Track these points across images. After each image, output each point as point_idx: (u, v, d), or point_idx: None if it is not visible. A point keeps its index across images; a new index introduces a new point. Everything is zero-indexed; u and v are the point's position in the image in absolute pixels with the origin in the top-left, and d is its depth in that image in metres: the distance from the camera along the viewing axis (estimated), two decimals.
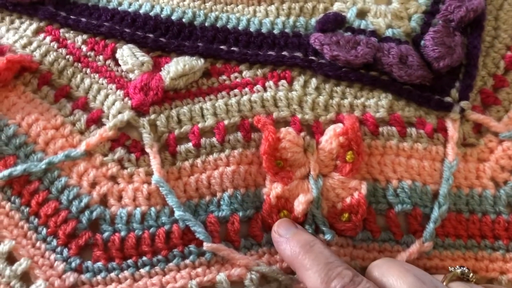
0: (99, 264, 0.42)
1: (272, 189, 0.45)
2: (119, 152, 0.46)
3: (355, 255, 0.44)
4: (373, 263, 0.41)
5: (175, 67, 0.48)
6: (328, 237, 0.44)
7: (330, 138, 0.46)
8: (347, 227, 0.44)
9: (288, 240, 0.41)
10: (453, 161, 0.45)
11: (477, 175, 0.46)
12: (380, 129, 0.46)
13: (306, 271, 0.39)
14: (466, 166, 0.46)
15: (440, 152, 0.46)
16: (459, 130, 0.47)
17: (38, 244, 0.43)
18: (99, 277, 0.43)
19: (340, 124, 0.47)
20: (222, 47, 0.49)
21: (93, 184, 0.44)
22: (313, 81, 0.48)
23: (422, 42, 0.48)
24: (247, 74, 0.48)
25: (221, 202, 0.44)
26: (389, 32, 0.50)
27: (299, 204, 0.44)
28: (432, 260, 0.45)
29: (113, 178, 0.45)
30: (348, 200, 0.45)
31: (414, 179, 0.45)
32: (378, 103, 0.48)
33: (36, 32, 0.50)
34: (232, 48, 0.49)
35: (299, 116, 0.47)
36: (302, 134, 0.47)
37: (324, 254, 0.40)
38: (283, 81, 0.48)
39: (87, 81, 0.48)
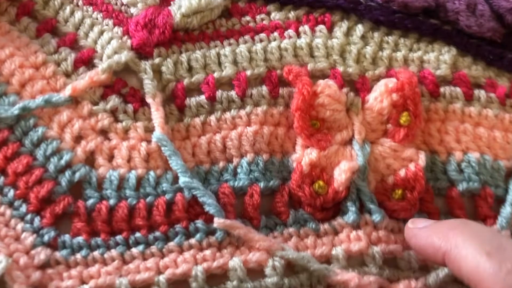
0: (80, 239, 0.34)
1: (305, 155, 0.37)
2: (113, 100, 0.37)
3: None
4: None
5: (189, 1, 0.40)
6: (376, 217, 0.36)
7: (380, 95, 0.38)
8: (400, 207, 0.37)
9: (429, 228, 0.33)
10: None
11: None
12: (442, 89, 0.39)
13: (460, 251, 0.30)
14: None
15: None
16: None
17: (1, 209, 0.34)
18: (78, 256, 0.34)
19: (393, 79, 0.38)
20: None
21: (77, 138, 0.36)
22: (359, 28, 0.40)
23: None
24: (276, 16, 0.41)
25: (238, 170, 0.37)
26: None
27: (341, 173, 0.36)
28: None
29: (104, 133, 0.37)
30: (402, 173, 0.37)
31: (483, 152, 0.38)
32: (439, 58, 0.40)
33: None
34: None
35: (340, 69, 0.39)
36: (345, 90, 0.38)
37: (485, 229, 0.32)
38: (321, 26, 0.40)
39: (78, 15, 0.40)
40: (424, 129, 0.38)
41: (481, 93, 0.39)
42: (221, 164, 0.37)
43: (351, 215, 0.36)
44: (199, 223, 0.35)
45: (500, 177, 0.38)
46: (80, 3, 0.41)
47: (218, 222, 0.34)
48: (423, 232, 0.33)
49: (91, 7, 0.41)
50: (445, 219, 0.35)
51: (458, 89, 0.39)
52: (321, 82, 0.38)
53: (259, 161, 0.37)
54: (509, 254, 0.28)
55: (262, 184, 0.36)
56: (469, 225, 0.32)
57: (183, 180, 0.35)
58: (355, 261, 0.36)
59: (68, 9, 0.40)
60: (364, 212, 0.37)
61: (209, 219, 0.35)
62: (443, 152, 0.38)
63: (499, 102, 0.39)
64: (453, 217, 0.37)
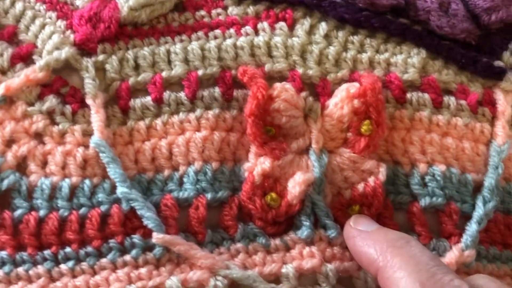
0: (4, 253, 0.32)
1: (258, 164, 0.34)
2: (50, 101, 0.35)
3: None
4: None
5: None
6: (332, 233, 0.34)
7: (341, 101, 0.35)
8: None
9: (370, 234, 0.32)
10: (504, 144, 0.36)
11: None
12: (408, 95, 0.37)
13: (395, 273, 0.29)
14: None
15: (486, 132, 0.37)
16: None
17: None
18: (0, 272, 0.32)
19: (355, 84, 0.36)
20: None
21: (9, 142, 0.34)
22: (322, 26, 0.38)
23: None
24: (233, 11, 0.38)
25: (184, 179, 0.34)
26: None
27: (296, 185, 0.34)
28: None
29: (38, 136, 0.34)
30: (360, 187, 0.35)
31: (450, 164, 0.36)
32: (407, 61, 0.37)
33: None
34: None
35: (300, 70, 0.36)
36: (303, 94, 0.36)
37: (425, 254, 0.30)
38: (281, 23, 0.37)
39: (19, 6, 0.37)
40: (388, 138, 0.36)
41: (451, 100, 0.36)
42: (166, 172, 0.34)
43: (304, 230, 0.34)
44: (136, 238, 0.32)
45: (467, 192, 0.36)
46: None
47: (157, 237, 0.32)
48: (362, 238, 0.32)
49: None
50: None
51: (426, 96, 0.36)
52: (277, 85, 0.35)
53: (207, 170, 0.34)
54: (444, 282, 0.28)
55: (209, 196, 0.34)
56: (410, 246, 0.31)
57: (120, 190, 0.32)
58: (307, 279, 0.34)
59: None
60: (319, 227, 0.34)
61: (147, 233, 0.33)
62: (407, 164, 0.35)
63: (470, 110, 0.37)
64: (415, 234, 0.35)
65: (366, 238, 0.32)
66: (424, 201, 0.35)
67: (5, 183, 0.32)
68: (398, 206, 0.35)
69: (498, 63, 0.38)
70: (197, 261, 0.32)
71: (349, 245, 0.33)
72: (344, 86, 0.35)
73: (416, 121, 0.36)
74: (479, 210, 0.35)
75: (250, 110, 0.34)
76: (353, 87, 0.35)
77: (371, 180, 0.34)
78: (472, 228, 0.35)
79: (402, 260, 0.30)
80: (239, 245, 0.34)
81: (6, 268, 0.31)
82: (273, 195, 0.34)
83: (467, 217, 0.35)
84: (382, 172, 0.34)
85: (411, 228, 0.35)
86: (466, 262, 0.34)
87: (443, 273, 0.29)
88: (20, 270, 0.32)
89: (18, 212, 0.32)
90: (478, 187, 0.36)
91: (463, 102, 0.37)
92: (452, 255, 0.34)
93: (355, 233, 0.33)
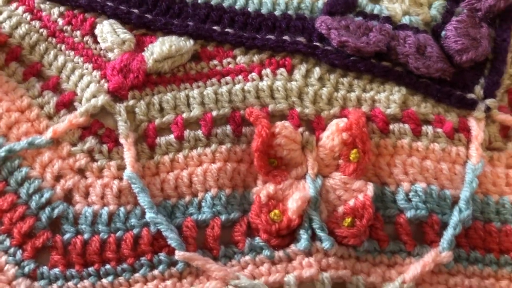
0: (56, 270, 0.38)
1: (264, 188, 0.40)
2: (90, 141, 0.40)
3: (359, 269, 0.40)
4: None
5: (160, 47, 0.42)
6: (326, 245, 0.38)
7: (332, 134, 0.40)
8: (350, 233, 0.39)
9: None
10: (478, 163, 0.40)
11: (507, 181, 0.41)
12: (391, 126, 0.41)
13: None
14: (493, 170, 0.42)
15: (461, 154, 0.41)
16: (484, 130, 0.42)
17: None
18: (54, 286, 0.37)
19: (344, 119, 0.41)
20: (215, 27, 0.44)
21: (57, 177, 0.40)
22: (316, 71, 0.43)
23: (443, 32, 0.44)
24: (241, 59, 0.43)
25: (203, 204, 0.40)
26: (405, 20, 0.45)
27: (293, 202, 0.38)
28: (456, 276, 0.39)
29: (81, 172, 0.40)
30: (351, 202, 0.39)
31: (430, 183, 0.40)
32: (389, 98, 0.42)
33: (8, 1, 0.45)
34: (226, 30, 0.44)
35: (298, 109, 0.42)
36: (301, 129, 0.41)
37: None
38: (282, 70, 0.43)
39: (61, 59, 0.43)
40: (375, 163, 0.40)
41: (428, 129, 0.41)
42: (187, 198, 0.40)
43: (303, 243, 0.38)
44: (162, 255, 0.38)
45: (446, 205, 0.40)
46: (63, 47, 0.43)
47: (178, 255, 0.38)
48: None
49: (73, 52, 0.43)
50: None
51: (406, 126, 0.41)
52: (278, 123, 0.40)
53: (221, 195, 0.39)
54: None
55: (223, 217, 0.39)
56: None
57: (149, 215, 0.38)
58: (307, 286, 0.38)
59: (52, 53, 0.43)
60: (316, 240, 0.39)
61: (172, 251, 0.38)
62: (393, 183, 0.40)
63: (446, 136, 0.41)
64: (402, 242, 0.39)
65: None
66: (410, 214, 0.39)
67: (56, 211, 0.38)
68: (387, 220, 0.40)
69: (470, 95, 0.42)
70: (212, 273, 0.37)
71: None
72: (334, 121, 0.40)
73: (399, 148, 0.41)
74: (455, 218, 0.39)
75: (256, 146, 0.39)
76: (342, 121, 0.40)
77: (360, 196, 0.39)
78: (448, 233, 0.39)
79: None
80: (247, 257, 0.38)
81: (59, 282, 0.37)
82: (277, 212, 0.39)
83: (447, 226, 0.39)
84: (370, 189, 0.39)
85: (398, 237, 0.39)
86: (443, 262, 0.39)
87: None
88: (70, 284, 0.37)
89: (67, 236, 0.38)
90: (457, 202, 0.40)
91: (439, 130, 0.41)
92: (430, 256, 0.38)
93: None
